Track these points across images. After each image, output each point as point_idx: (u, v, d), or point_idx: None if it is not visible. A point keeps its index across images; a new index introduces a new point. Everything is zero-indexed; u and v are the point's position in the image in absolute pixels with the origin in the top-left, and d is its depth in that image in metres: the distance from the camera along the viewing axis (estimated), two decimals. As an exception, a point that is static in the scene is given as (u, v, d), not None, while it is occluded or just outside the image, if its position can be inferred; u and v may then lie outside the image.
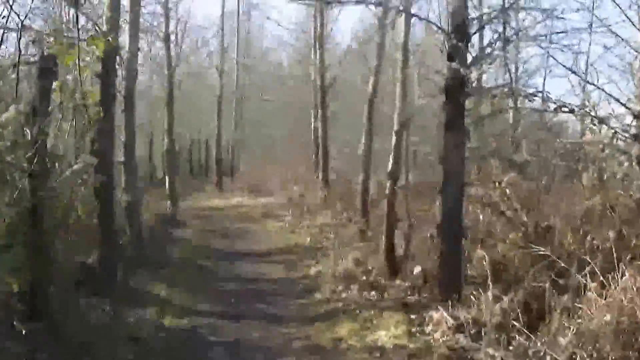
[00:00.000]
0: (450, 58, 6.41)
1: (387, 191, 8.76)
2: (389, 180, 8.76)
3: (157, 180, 32.25)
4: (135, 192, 10.30)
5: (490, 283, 5.85)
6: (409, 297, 7.38)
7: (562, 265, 5.50)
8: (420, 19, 8.48)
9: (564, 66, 6.82)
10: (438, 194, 6.59)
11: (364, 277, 8.35)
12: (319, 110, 17.47)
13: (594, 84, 7.03)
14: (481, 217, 7.21)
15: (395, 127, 8.72)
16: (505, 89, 6.55)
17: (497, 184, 6.72)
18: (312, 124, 20.70)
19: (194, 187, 28.42)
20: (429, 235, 8.47)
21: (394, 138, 8.75)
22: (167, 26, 14.54)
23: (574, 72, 6.99)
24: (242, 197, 21.85)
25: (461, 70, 6.23)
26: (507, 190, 6.54)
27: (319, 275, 9.27)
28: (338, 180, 18.98)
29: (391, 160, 8.78)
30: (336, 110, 20.19)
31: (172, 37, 14.71)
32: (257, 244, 12.90)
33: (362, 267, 8.86)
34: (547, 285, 5.45)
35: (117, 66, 8.60)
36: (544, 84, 13.04)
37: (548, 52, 6.95)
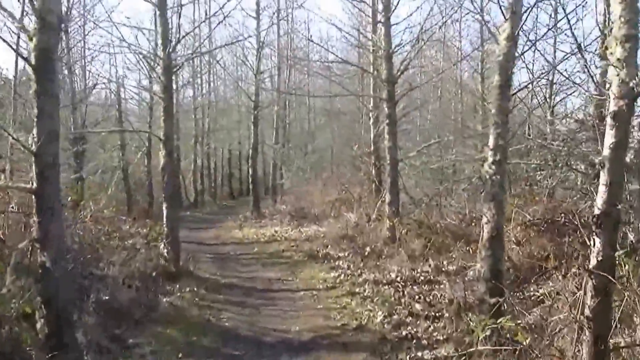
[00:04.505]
0: None
1: (595, 258, 3.53)
2: (599, 227, 3.55)
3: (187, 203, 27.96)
4: (59, 244, 5.44)
5: None
6: None
7: None
8: None
9: None
10: None
11: None
12: (386, 110, 12.32)
13: None
14: None
15: (613, 107, 3.55)
16: None
17: None
18: (371, 131, 15.71)
19: (228, 212, 23.86)
20: None
21: (610, 132, 3.56)
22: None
23: None
24: (282, 225, 16.94)
25: None
26: None
27: None
28: (406, 204, 13.84)
29: (604, 184, 3.57)
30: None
31: (173, 2, 9.84)
32: (295, 320, 7.81)
33: None
34: None
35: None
36: None
37: None
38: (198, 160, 29.25)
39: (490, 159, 5.69)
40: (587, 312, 3.65)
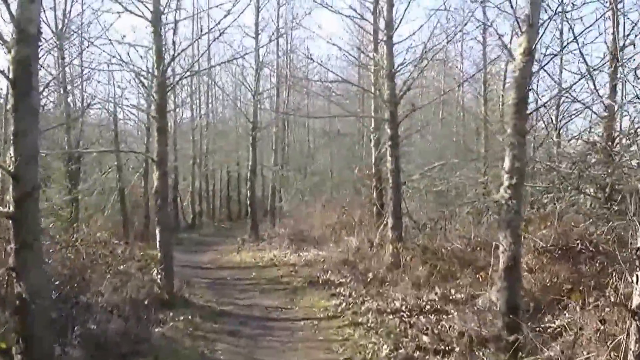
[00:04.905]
0: None
1: (639, 297, 3.11)
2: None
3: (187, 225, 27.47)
4: (37, 274, 5.01)
5: None
6: None
7: None
8: None
9: None
10: None
11: None
12: (389, 132, 11.95)
13: None
14: None
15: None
16: None
17: None
18: (372, 152, 15.39)
19: (226, 234, 23.36)
20: None
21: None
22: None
23: None
24: (280, 249, 16.46)
25: None
26: None
27: None
28: (409, 229, 13.34)
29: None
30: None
31: (165, 18, 9.45)
32: (294, 352, 7.33)
33: None
34: None
35: None
36: None
37: None
38: (196, 182, 28.85)
39: (506, 183, 5.28)
40: (630, 357, 3.22)
